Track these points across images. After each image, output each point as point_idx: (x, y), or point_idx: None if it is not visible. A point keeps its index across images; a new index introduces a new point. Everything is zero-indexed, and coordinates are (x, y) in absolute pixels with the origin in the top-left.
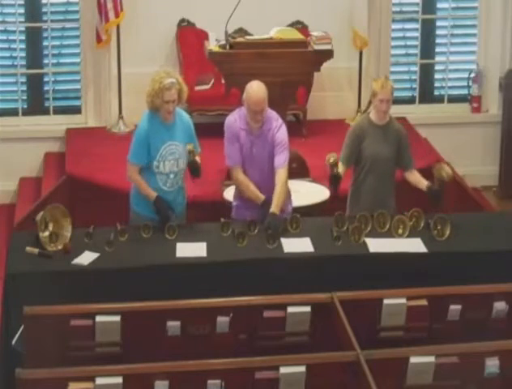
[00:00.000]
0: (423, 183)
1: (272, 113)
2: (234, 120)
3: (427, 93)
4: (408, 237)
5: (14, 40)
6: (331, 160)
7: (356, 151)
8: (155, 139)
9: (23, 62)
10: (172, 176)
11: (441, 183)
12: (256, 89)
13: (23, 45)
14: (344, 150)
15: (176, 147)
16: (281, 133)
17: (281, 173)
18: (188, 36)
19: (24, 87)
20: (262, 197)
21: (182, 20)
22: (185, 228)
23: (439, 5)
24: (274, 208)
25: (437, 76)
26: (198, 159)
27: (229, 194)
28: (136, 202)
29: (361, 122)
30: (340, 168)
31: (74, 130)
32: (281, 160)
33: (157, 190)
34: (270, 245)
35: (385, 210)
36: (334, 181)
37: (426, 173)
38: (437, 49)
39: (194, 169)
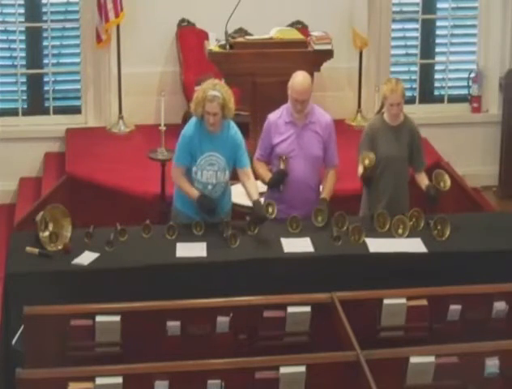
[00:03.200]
0: (424, 183)
1: (320, 109)
2: (277, 114)
3: (427, 93)
4: (408, 237)
5: (14, 40)
6: (366, 162)
7: (372, 151)
8: (195, 146)
9: (23, 62)
10: (210, 187)
11: (438, 189)
12: (301, 79)
13: (23, 45)
14: (362, 153)
15: (216, 159)
16: (333, 131)
17: (333, 171)
18: (188, 36)
19: (24, 87)
20: (269, 174)
21: (182, 20)
22: (185, 228)
23: (439, 5)
24: (325, 194)
25: (437, 76)
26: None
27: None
28: (179, 200)
29: (374, 123)
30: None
31: (74, 130)
32: (334, 159)
33: None
34: (252, 231)
35: (399, 210)
36: (366, 182)
37: (426, 173)
38: (437, 49)
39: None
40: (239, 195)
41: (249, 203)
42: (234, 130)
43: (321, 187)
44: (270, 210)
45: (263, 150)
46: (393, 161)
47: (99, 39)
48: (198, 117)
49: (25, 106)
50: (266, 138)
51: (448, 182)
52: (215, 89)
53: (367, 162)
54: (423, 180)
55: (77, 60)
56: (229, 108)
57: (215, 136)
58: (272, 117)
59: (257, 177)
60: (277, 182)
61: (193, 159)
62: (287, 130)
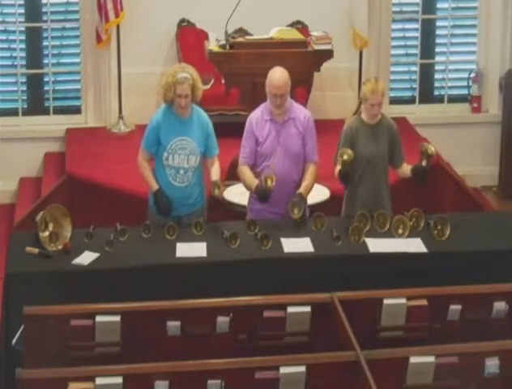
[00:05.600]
0: (408, 168)
1: (298, 105)
2: (257, 113)
3: (427, 93)
4: (408, 237)
5: (14, 40)
6: (345, 157)
7: None
8: (166, 131)
9: (23, 62)
10: (182, 171)
11: (427, 160)
12: (279, 74)
13: (23, 45)
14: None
15: (187, 143)
16: (313, 127)
17: (313, 167)
18: (188, 36)
19: (24, 87)
20: (255, 182)
21: (182, 20)
22: (185, 228)
23: (439, 5)
24: (302, 190)
25: (437, 76)
26: (218, 193)
27: (229, 194)
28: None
29: (352, 123)
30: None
31: (74, 130)
32: (314, 154)
33: (167, 185)
34: (264, 246)
35: (381, 208)
36: (344, 178)
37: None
38: (437, 49)
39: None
40: (239, 195)
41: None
42: (203, 115)
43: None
44: (269, 182)
45: (248, 152)
46: (374, 160)
47: (99, 39)
48: (168, 103)
49: (25, 106)
50: (250, 139)
51: (433, 148)
52: (184, 71)
53: (346, 157)
54: (406, 168)
55: (77, 60)
56: (198, 88)
57: (185, 120)
58: (253, 115)
59: (242, 181)
60: (263, 199)
61: (161, 146)
62: (267, 128)
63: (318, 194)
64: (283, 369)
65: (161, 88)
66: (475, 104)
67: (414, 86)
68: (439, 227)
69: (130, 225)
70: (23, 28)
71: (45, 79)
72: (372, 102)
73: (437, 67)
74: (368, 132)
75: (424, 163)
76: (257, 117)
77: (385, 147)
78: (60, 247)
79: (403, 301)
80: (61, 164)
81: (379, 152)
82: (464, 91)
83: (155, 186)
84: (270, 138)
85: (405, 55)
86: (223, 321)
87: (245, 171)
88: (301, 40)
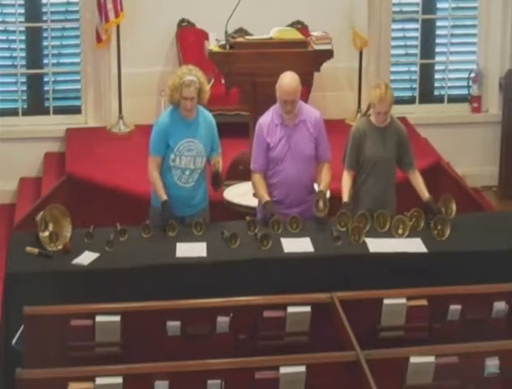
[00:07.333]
0: (424, 194)
1: (308, 106)
2: (267, 117)
3: (427, 93)
4: (408, 237)
5: (14, 40)
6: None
7: (358, 154)
8: (173, 133)
9: (23, 62)
10: (187, 172)
11: (441, 210)
12: (289, 79)
13: (23, 45)
14: (349, 156)
15: (194, 145)
16: (323, 126)
17: (328, 165)
18: (188, 36)
19: (24, 87)
20: (266, 198)
21: (182, 20)
22: (185, 228)
23: (439, 5)
24: (322, 187)
25: (437, 76)
26: (219, 168)
27: (229, 194)
28: (156, 199)
29: (361, 125)
30: (346, 176)
31: (74, 130)
32: (327, 153)
33: (172, 185)
34: (264, 246)
35: (386, 210)
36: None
37: (426, 174)
38: (437, 49)
39: (214, 181)
40: (239, 195)
41: (248, 203)
42: (208, 115)
43: (315, 185)
44: (276, 227)
45: (261, 159)
46: (380, 162)
47: (99, 39)
48: (174, 104)
49: (25, 106)
50: (261, 145)
51: (454, 212)
52: (190, 74)
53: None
54: (421, 188)
55: (77, 60)
56: (205, 91)
57: (191, 122)
58: (263, 121)
59: (254, 190)
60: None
61: (168, 148)
62: (278, 133)
63: None
64: (283, 369)
65: (168, 89)
66: (475, 104)
67: (414, 86)
68: (439, 227)
69: (130, 225)
70: (23, 28)
71: (45, 79)
72: (378, 110)
73: (437, 67)
74: (376, 134)
75: (436, 208)
76: (267, 123)
77: (392, 150)
78: (60, 247)
79: (403, 301)
80: (61, 164)
81: (386, 155)
82: (464, 91)
83: (164, 197)
84: (282, 142)
85: (405, 55)
86: (223, 321)
87: (258, 181)
88: (301, 40)
